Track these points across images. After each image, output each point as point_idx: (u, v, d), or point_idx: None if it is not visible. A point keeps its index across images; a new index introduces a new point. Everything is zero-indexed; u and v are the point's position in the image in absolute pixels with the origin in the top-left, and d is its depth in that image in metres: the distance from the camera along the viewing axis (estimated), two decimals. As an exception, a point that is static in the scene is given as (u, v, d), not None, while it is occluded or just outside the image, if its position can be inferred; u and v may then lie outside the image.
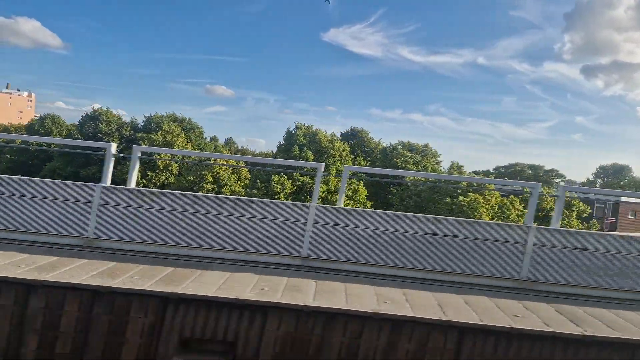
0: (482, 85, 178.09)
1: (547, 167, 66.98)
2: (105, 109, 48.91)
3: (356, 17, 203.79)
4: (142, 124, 49.63)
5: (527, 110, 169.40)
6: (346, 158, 35.37)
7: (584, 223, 32.82)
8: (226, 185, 35.40)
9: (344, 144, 37.40)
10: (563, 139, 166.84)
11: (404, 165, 36.66)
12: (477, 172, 60.88)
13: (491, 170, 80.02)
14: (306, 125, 36.12)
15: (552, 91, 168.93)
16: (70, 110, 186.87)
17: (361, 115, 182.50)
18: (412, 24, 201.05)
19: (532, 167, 72.08)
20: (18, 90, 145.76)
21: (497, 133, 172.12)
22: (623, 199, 39.14)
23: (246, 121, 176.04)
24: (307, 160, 31.07)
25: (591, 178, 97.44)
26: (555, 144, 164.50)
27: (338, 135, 51.72)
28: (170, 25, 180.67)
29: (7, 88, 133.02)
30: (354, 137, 49.34)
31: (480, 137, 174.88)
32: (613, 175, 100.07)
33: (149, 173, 41.43)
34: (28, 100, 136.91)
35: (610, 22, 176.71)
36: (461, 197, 27.62)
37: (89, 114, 48.56)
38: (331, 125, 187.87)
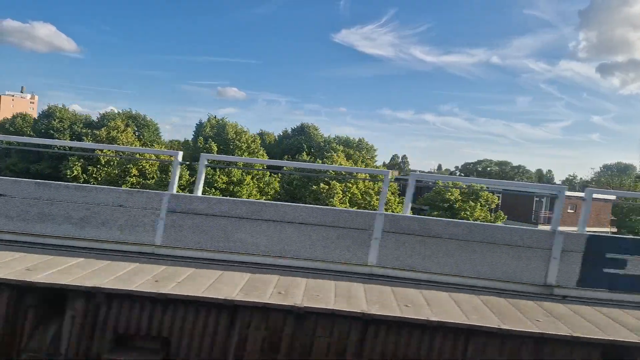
0: (496, 85, 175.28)
1: (514, 164, 66.18)
2: (61, 106, 50.56)
3: (367, 17, 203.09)
4: (96, 120, 51.13)
5: (542, 110, 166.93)
6: (255, 150, 35.70)
7: (493, 214, 32.47)
8: (153, 178, 36.29)
9: (253, 135, 37.79)
10: (579, 139, 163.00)
11: (332, 158, 36.67)
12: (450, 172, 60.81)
13: (459, 167, 79.18)
14: (217, 117, 37.03)
15: (567, 90, 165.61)
16: (86, 112, 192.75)
17: (372, 115, 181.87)
18: (424, 24, 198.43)
19: (499, 163, 71.25)
20: (22, 92, 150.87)
21: (511, 133, 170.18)
22: (567, 193, 38.17)
23: (258, 122, 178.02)
24: (211, 152, 31.58)
25: (591, 177, 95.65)
26: (571, 143, 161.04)
27: (289, 130, 52.60)
28: (182, 28, 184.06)
29: (21, 91, 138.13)
30: (302, 133, 49.70)
31: (493, 138, 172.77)
32: (617, 174, 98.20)
33: (90, 168, 42.61)
34: (30, 102, 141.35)
35: (626, 20, 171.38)
36: (322, 185, 27.77)
37: (44, 110, 50.36)
38: (342, 126, 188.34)
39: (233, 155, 31.60)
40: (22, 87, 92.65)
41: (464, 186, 30.31)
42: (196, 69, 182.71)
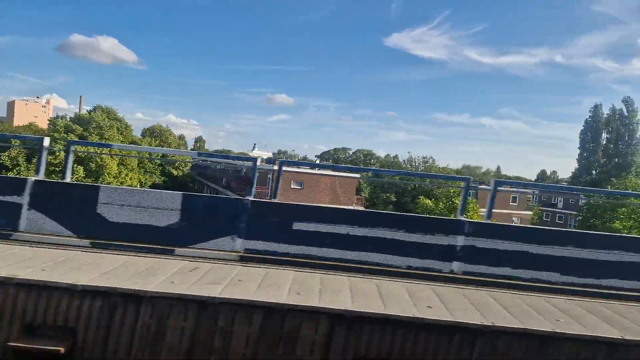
0: (560, 86, 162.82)
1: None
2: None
3: (419, 20, 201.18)
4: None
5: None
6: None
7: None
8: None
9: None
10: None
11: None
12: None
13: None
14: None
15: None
16: (148, 120, 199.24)
17: (424, 120, 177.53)
18: (479, 24, 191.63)
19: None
20: (37, 97, 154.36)
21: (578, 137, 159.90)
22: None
23: (308, 128, 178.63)
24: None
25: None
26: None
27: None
28: (236, 38, 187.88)
29: (80, 101, 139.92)
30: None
31: (558, 142, 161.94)
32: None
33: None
34: (42, 106, 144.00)
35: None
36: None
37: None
38: (393, 131, 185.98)
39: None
40: (80, 96, 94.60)
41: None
42: (247, 77, 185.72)
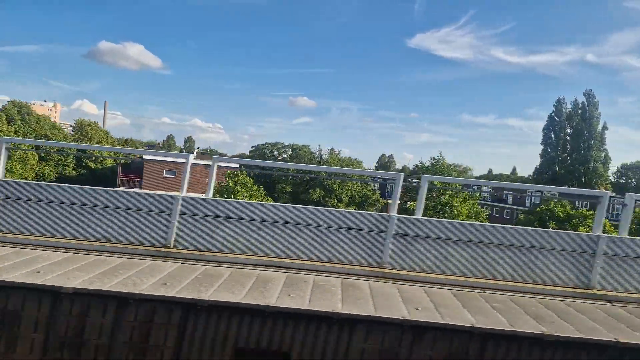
0: (593, 85, 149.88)
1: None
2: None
3: (444, 20, 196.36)
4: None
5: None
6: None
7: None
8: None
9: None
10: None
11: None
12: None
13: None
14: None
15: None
16: (174, 124, 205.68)
17: (449, 121, 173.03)
18: (506, 23, 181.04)
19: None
20: (45, 101, 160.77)
21: (613, 137, 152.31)
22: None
23: (331, 131, 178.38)
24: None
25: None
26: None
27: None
28: (259, 41, 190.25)
29: (104, 106, 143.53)
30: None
31: None
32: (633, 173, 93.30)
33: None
34: (48, 110, 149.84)
35: None
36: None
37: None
38: (417, 133, 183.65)
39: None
40: (105, 101, 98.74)
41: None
42: (270, 80, 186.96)
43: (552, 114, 61.28)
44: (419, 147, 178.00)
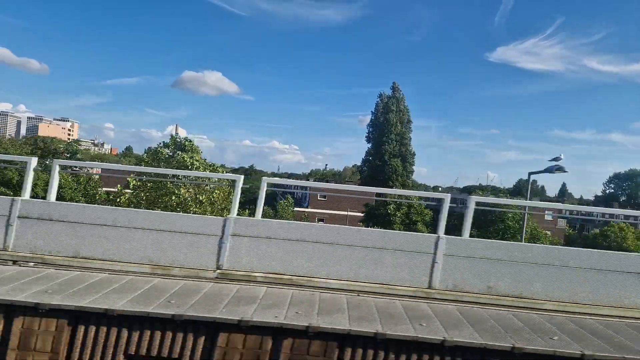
0: None
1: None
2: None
3: (528, 31, 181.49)
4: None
5: None
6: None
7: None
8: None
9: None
10: None
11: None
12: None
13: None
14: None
15: None
16: (254, 146, 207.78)
17: (539, 137, 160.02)
18: (600, 31, 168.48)
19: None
20: (62, 120, 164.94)
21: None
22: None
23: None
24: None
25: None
26: None
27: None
28: (335, 63, 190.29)
29: (175, 130, 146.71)
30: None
31: None
32: (625, 182, 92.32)
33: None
34: (62, 128, 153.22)
35: None
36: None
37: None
38: (503, 151, 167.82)
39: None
40: (176, 125, 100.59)
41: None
42: (345, 100, 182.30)
43: (373, 110, 52.81)
44: (507, 165, 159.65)
